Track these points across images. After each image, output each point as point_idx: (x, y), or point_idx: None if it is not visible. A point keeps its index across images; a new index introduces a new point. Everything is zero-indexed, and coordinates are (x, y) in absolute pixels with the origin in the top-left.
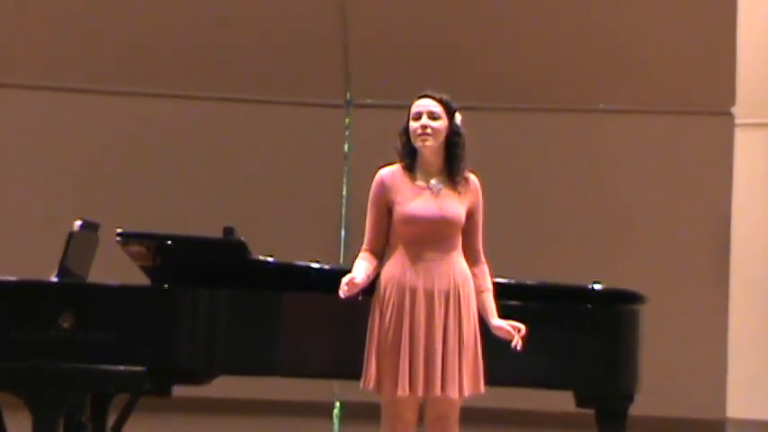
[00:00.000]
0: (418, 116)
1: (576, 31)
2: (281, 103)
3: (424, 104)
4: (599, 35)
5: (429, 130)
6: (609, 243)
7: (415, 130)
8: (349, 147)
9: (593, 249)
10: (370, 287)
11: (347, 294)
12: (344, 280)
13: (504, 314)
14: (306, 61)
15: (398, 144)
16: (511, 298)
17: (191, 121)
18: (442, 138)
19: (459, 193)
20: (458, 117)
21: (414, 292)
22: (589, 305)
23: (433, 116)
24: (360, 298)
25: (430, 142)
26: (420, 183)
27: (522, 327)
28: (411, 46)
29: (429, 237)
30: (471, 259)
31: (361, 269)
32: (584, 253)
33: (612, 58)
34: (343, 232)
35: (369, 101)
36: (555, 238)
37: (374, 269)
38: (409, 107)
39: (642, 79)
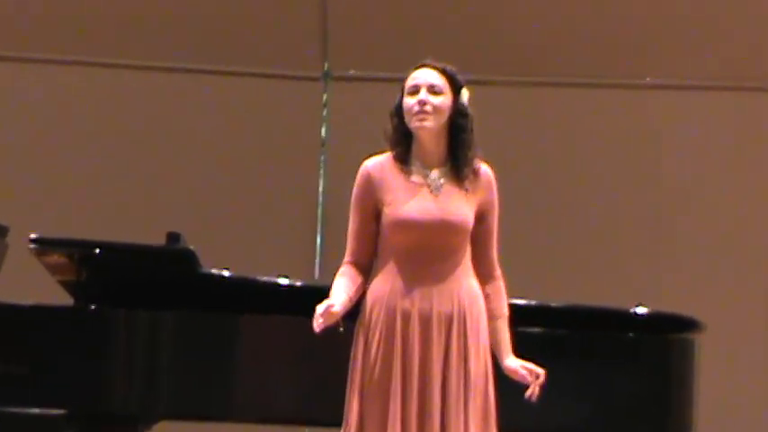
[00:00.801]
0: (415, 90)
1: None
2: (240, 74)
3: (423, 76)
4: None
5: (428, 108)
6: (656, 253)
7: (410, 108)
8: (327, 130)
9: (635, 261)
10: (354, 310)
11: (323, 327)
12: (319, 309)
13: (523, 345)
14: (272, 22)
15: (389, 127)
16: (532, 324)
17: (125, 95)
18: (444, 118)
19: (467, 189)
20: (465, 94)
21: (407, 316)
22: (632, 333)
23: (433, 90)
24: (341, 329)
25: (429, 122)
26: (416, 177)
27: (542, 372)
28: (405, 3)
29: (428, 247)
30: (483, 275)
31: (341, 290)
32: (625, 265)
33: (662, 21)
34: (318, 239)
35: (352, 72)
36: (588, 246)
37: (358, 288)
38: (403, 80)
39: (698, 48)
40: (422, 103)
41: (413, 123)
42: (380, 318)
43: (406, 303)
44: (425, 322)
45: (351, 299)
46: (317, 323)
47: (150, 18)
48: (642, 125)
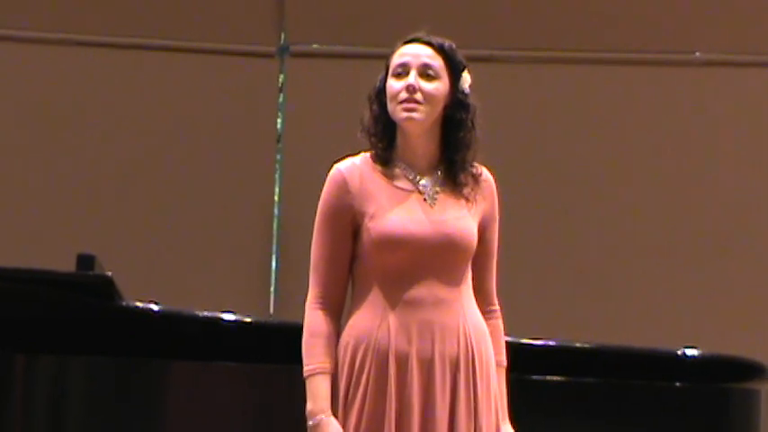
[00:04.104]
0: (403, 71)
1: None
2: (172, 49)
3: (414, 53)
4: None
5: (419, 96)
6: (709, 279)
7: (395, 94)
8: (283, 122)
9: (683, 289)
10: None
11: None
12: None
13: (540, 397)
14: None
15: (367, 118)
16: (551, 370)
17: (42, 73)
18: (438, 109)
19: (467, 198)
20: (466, 79)
21: (403, 359)
22: (679, 382)
23: (426, 73)
24: None
25: (419, 114)
26: (402, 183)
27: None
28: None
29: (423, 269)
30: (479, 305)
31: (322, 386)
32: (670, 295)
33: None
34: (273, 262)
35: (315, 46)
36: (620, 270)
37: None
38: (387, 57)
39: (753, 19)
40: (411, 89)
41: (398, 114)
42: (367, 362)
43: (402, 342)
44: (426, 367)
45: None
46: None
47: None
48: (690, 108)
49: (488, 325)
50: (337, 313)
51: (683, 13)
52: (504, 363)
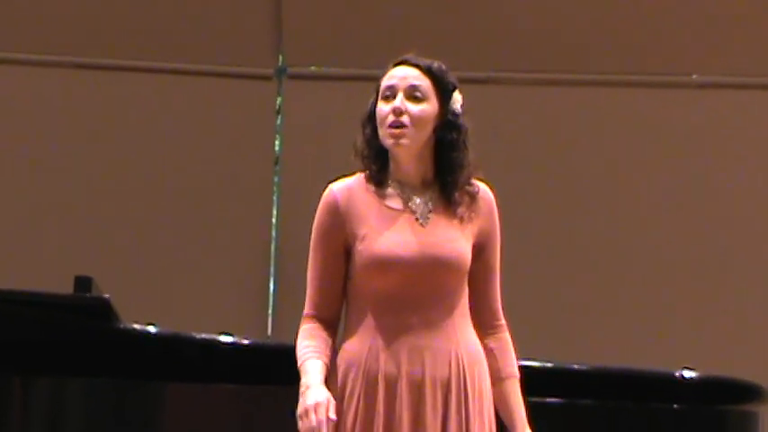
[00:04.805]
0: (390, 94)
1: None
2: (173, 72)
3: (401, 75)
4: None
5: (405, 118)
6: (706, 299)
7: (383, 118)
8: (281, 144)
9: (680, 310)
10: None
11: (314, 428)
12: (313, 406)
13: (536, 419)
14: (217, 9)
15: (359, 139)
16: (548, 392)
17: (42, 95)
18: (426, 132)
19: (462, 218)
20: (457, 99)
21: (392, 383)
22: (677, 404)
23: (413, 95)
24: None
25: (406, 140)
26: (395, 203)
27: None
28: None
29: (415, 292)
30: (484, 324)
31: (319, 366)
32: (667, 316)
33: (709, 13)
34: (272, 284)
35: (312, 68)
36: (618, 290)
37: (331, 353)
38: (378, 79)
39: (750, 42)
40: (397, 111)
41: (386, 139)
42: (357, 386)
43: (391, 367)
44: (416, 390)
45: (328, 368)
46: (304, 424)
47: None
48: (686, 132)
49: (495, 340)
50: (331, 327)
51: (680, 35)
52: (517, 374)
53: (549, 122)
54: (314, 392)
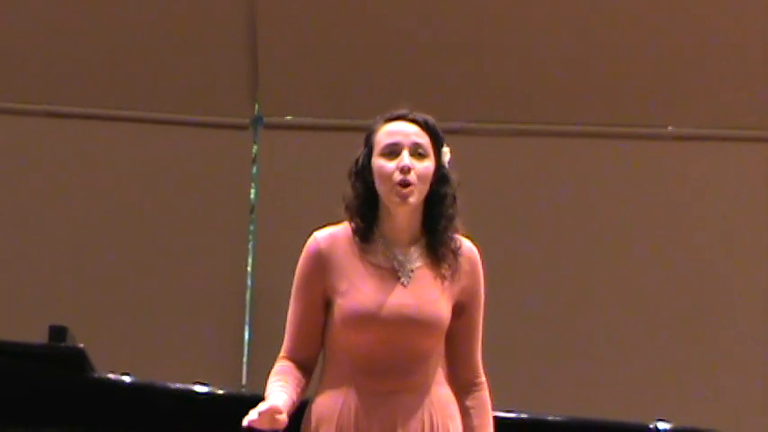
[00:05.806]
0: (394, 151)
1: (634, 31)
2: (149, 121)
3: (404, 132)
4: (666, 37)
5: (412, 177)
6: (680, 353)
7: (388, 176)
8: (257, 190)
9: (655, 364)
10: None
11: (258, 425)
12: (261, 407)
13: None
14: (192, 59)
15: (348, 192)
16: None
17: (16, 144)
18: (428, 188)
19: (444, 276)
20: (446, 153)
21: None
22: None
23: (417, 152)
24: None
25: (414, 198)
26: (380, 259)
27: None
28: (356, 32)
29: (391, 351)
30: (463, 381)
31: (278, 391)
32: (642, 370)
33: (684, 66)
34: (246, 333)
35: (288, 118)
36: (593, 343)
37: (302, 391)
38: (367, 131)
39: (725, 94)
40: (405, 170)
41: (392, 197)
42: None
43: (363, 425)
44: None
45: (294, 403)
46: (249, 418)
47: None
48: (662, 184)
49: (474, 399)
50: (305, 369)
51: (655, 87)
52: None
53: (523, 173)
54: (268, 399)
